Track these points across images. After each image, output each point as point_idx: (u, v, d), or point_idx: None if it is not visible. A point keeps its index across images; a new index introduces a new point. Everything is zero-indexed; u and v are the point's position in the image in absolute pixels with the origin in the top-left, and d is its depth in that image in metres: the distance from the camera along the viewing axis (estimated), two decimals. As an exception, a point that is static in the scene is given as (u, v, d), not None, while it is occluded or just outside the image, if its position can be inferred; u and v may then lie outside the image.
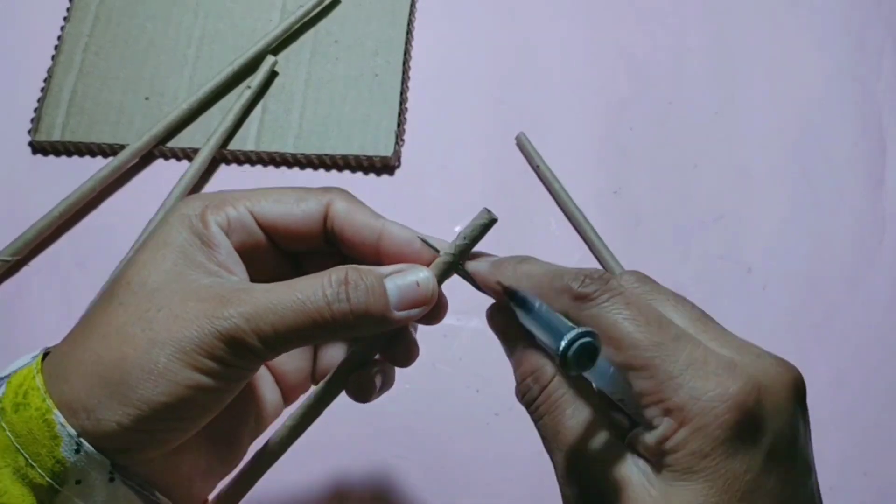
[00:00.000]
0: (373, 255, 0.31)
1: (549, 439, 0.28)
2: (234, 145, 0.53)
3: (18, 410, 0.26)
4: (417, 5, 0.58)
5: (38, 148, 0.54)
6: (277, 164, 0.54)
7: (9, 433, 0.26)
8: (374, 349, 0.32)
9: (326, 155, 0.53)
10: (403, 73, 0.55)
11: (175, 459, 0.29)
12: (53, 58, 0.56)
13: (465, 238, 0.31)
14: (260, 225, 0.31)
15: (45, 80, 0.55)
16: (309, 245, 0.32)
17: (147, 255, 0.28)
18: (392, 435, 0.46)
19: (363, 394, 0.32)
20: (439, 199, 0.52)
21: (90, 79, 0.55)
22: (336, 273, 0.28)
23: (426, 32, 0.58)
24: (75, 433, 0.26)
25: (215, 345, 0.26)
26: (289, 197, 0.31)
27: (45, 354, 0.29)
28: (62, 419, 0.26)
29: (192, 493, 0.31)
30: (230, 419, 0.32)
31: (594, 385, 0.28)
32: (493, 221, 0.31)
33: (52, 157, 0.54)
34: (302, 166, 0.53)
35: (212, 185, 0.53)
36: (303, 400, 0.32)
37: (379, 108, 0.54)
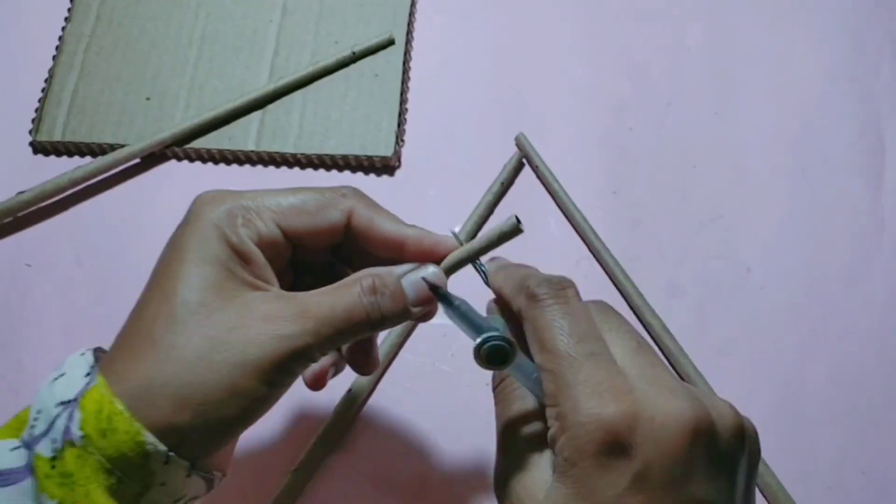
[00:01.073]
0: (395, 256, 0.34)
1: (497, 419, 0.31)
2: (233, 145, 0.53)
3: (107, 436, 0.28)
4: (417, 5, 0.58)
5: (39, 148, 0.54)
6: (278, 165, 0.54)
7: (100, 457, 0.28)
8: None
9: (327, 155, 0.53)
10: (403, 73, 0.55)
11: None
12: (54, 58, 0.56)
13: (485, 241, 0.33)
14: (285, 234, 0.33)
15: (46, 80, 0.55)
16: (327, 250, 0.35)
17: (192, 271, 0.30)
18: (392, 435, 0.46)
19: (318, 383, 0.37)
20: (439, 198, 0.52)
21: (91, 79, 0.55)
22: (364, 281, 0.31)
23: (426, 32, 0.58)
24: (165, 449, 0.28)
25: (287, 361, 0.29)
26: (309, 204, 0.33)
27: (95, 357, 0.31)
28: (152, 439, 0.28)
29: (227, 456, 0.34)
30: None
31: (519, 383, 0.31)
32: (517, 232, 0.32)
33: (52, 158, 0.54)
34: (302, 166, 0.54)
35: (211, 185, 0.53)
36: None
37: (379, 109, 0.54)
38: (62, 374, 0.30)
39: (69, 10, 0.58)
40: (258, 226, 0.32)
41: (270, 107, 0.54)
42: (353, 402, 0.46)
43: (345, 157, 0.53)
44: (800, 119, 0.55)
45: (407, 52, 0.56)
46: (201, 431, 0.29)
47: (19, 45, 0.58)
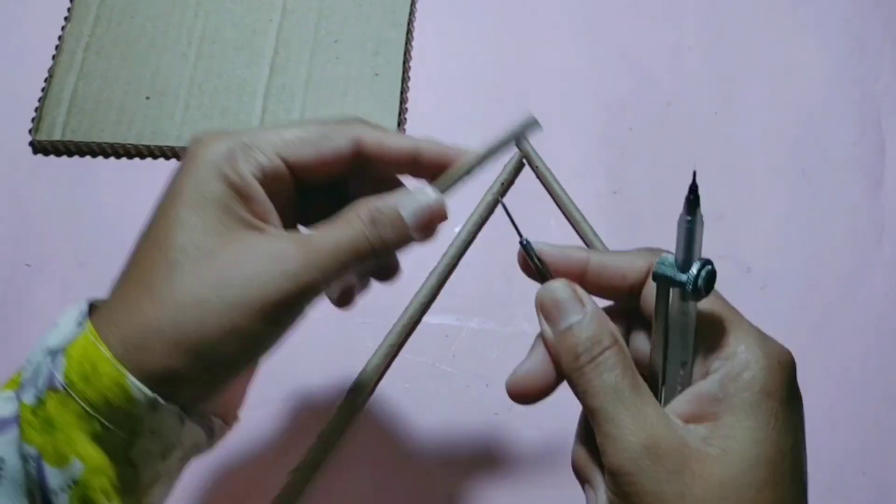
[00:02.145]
0: (411, 171, 0.34)
1: (604, 388, 0.29)
2: (234, 145, 0.53)
3: (89, 381, 0.27)
4: (417, 5, 0.58)
5: (39, 147, 0.54)
6: (278, 164, 0.54)
7: (81, 402, 0.27)
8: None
9: (327, 155, 0.53)
10: (403, 73, 0.55)
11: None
12: (54, 57, 0.56)
13: (497, 143, 0.33)
14: (289, 167, 0.32)
15: (45, 80, 0.55)
16: (333, 178, 0.33)
17: (188, 213, 0.29)
18: (392, 435, 0.46)
19: (346, 301, 0.37)
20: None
21: (91, 78, 0.55)
22: (363, 213, 0.31)
23: (426, 32, 0.58)
24: (151, 394, 0.28)
25: (294, 299, 0.29)
26: (312, 135, 0.32)
27: (91, 308, 0.30)
28: (136, 383, 0.27)
29: (232, 404, 0.34)
30: None
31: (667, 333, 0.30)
32: (533, 126, 0.32)
33: (52, 157, 0.54)
34: (302, 166, 0.54)
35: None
36: None
37: (379, 108, 0.54)
38: (55, 326, 0.30)
39: (69, 9, 0.58)
40: (259, 159, 0.31)
41: (270, 106, 0.54)
42: (354, 403, 0.46)
43: (345, 157, 0.53)
44: (800, 119, 0.55)
45: (407, 52, 0.56)
46: (198, 374, 0.28)
47: (19, 44, 0.58)
